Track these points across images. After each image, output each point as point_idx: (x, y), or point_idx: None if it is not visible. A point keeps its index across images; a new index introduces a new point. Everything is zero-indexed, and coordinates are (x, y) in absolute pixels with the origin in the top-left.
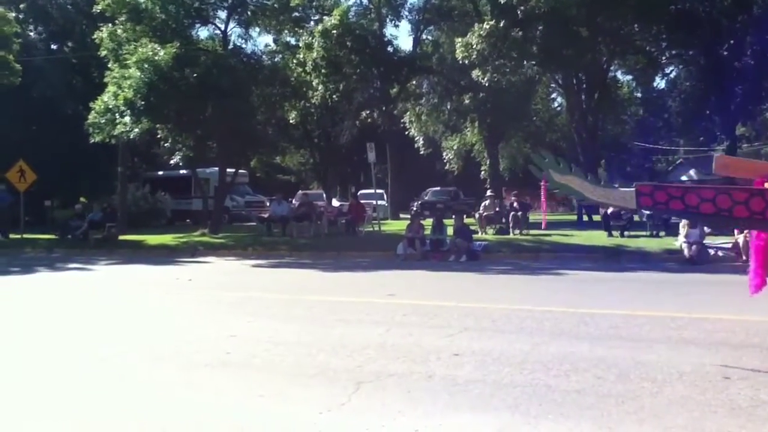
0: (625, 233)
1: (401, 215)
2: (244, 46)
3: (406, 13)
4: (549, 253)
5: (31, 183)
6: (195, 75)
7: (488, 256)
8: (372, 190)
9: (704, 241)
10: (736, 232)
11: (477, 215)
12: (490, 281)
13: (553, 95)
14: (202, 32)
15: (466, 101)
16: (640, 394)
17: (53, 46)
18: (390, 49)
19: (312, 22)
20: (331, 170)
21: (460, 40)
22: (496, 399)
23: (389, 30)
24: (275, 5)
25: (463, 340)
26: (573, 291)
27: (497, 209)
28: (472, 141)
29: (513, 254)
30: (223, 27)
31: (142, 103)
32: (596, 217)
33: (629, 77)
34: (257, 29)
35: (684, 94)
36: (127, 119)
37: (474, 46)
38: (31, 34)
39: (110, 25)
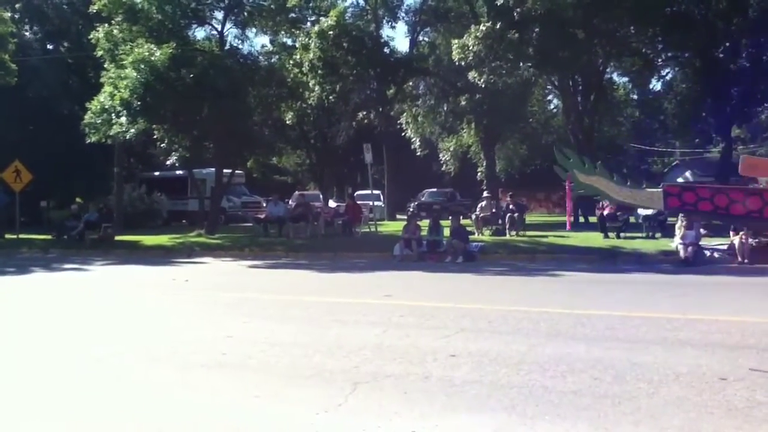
0: (621, 235)
1: (398, 216)
2: (240, 46)
3: (403, 14)
4: (545, 254)
5: (27, 183)
6: (191, 75)
7: (485, 257)
8: (369, 191)
9: (700, 243)
10: (731, 233)
11: (473, 216)
12: (487, 282)
13: (549, 97)
14: (199, 33)
15: (463, 103)
16: (637, 395)
17: (49, 46)
18: (387, 50)
19: (309, 23)
20: (328, 171)
21: (456, 41)
22: (492, 400)
23: (386, 31)
24: (272, 6)
25: (459, 341)
26: (569, 292)
27: (494, 210)
28: (468, 142)
29: (509, 255)
30: (219, 27)
31: (139, 103)
32: (592, 219)
33: (625, 79)
34: (254, 30)
35: (680, 96)
36: (123, 119)
37: (470, 48)
38: (27, 33)
39: (106, 25)
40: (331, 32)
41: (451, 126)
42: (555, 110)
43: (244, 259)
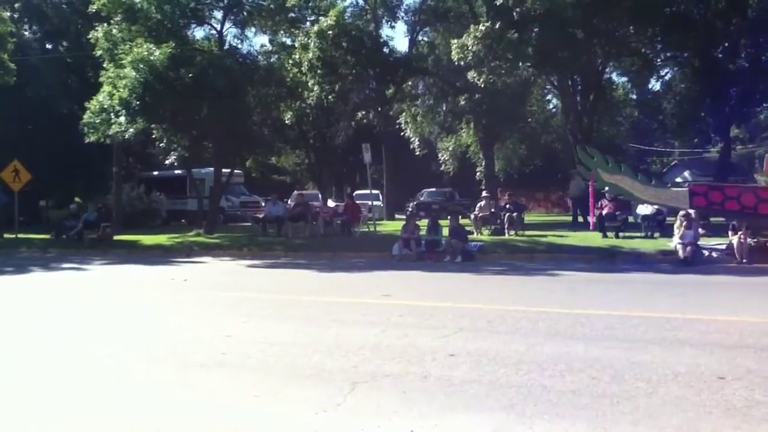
0: (620, 234)
1: (397, 216)
2: (239, 46)
3: (402, 14)
4: (544, 253)
5: (26, 183)
6: (190, 75)
7: (483, 257)
8: (367, 191)
9: (698, 243)
10: (730, 233)
11: (472, 216)
12: (486, 282)
13: (549, 97)
14: (198, 32)
15: (462, 102)
16: (635, 394)
17: (48, 46)
18: (386, 50)
19: (308, 23)
20: (327, 171)
21: (455, 41)
22: (491, 399)
23: (385, 31)
24: (271, 6)
25: (458, 341)
26: (568, 292)
27: (492, 210)
28: (467, 142)
29: (508, 255)
30: (218, 27)
31: (138, 103)
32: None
33: (624, 79)
34: (253, 30)
35: (679, 96)
36: (122, 119)
37: (470, 48)
38: (26, 33)
39: (105, 24)
40: (330, 32)
41: (450, 126)
42: (554, 110)
43: (243, 259)
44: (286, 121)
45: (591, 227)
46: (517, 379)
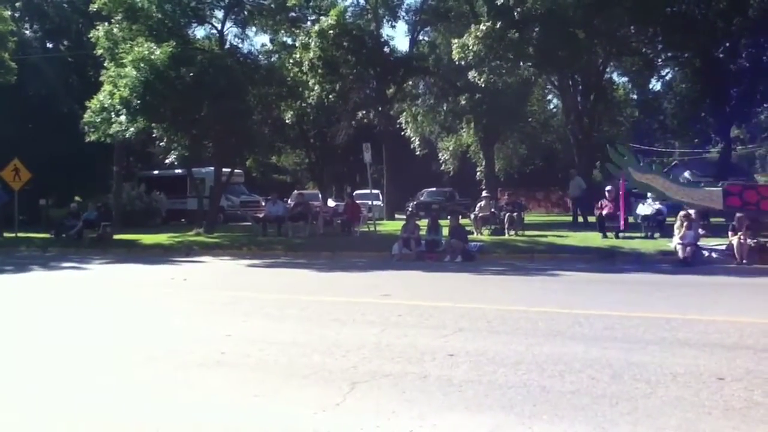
0: (620, 234)
1: (397, 216)
2: (240, 45)
3: (403, 13)
4: (544, 254)
5: (26, 181)
6: (191, 74)
7: (483, 257)
8: (368, 191)
9: (698, 243)
10: (730, 234)
11: (472, 216)
12: (486, 282)
13: (549, 96)
14: (199, 32)
15: (462, 102)
16: (634, 395)
17: (49, 45)
18: (386, 49)
19: (309, 22)
20: (327, 170)
21: (456, 41)
22: (490, 399)
23: (386, 30)
24: (272, 5)
25: (458, 341)
26: (568, 292)
27: (493, 210)
28: (467, 142)
29: (508, 255)
30: (219, 26)
31: (138, 102)
32: (591, 219)
33: (625, 79)
34: (254, 29)
35: (679, 96)
36: (122, 118)
37: (470, 47)
38: (27, 32)
39: (106, 23)
40: (331, 31)
41: (450, 125)
42: (555, 110)
43: (243, 258)
44: (287, 121)
45: (622, 227)
46: (516, 379)
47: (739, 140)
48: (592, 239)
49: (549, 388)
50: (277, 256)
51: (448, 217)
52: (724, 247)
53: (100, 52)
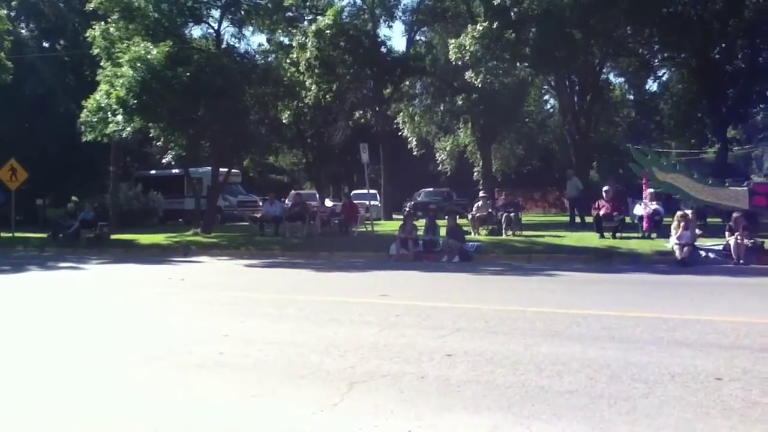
0: (617, 235)
1: (394, 216)
2: (237, 45)
3: (400, 13)
4: (541, 254)
5: (23, 181)
6: (188, 74)
7: (481, 257)
8: (365, 191)
9: (695, 243)
10: (727, 234)
11: (470, 216)
12: (483, 282)
13: (546, 97)
14: (196, 31)
15: (459, 102)
16: (632, 395)
17: (45, 44)
18: (383, 49)
19: (305, 22)
20: (324, 170)
21: (453, 41)
22: (488, 399)
23: (383, 31)
24: (269, 5)
25: (455, 341)
26: (565, 292)
27: (490, 210)
28: (465, 142)
29: (506, 255)
30: (216, 26)
31: (135, 101)
32: (588, 219)
33: (621, 79)
34: (250, 29)
35: (676, 97)
36: (119, 118)
37: (467, 48)
38: (23, 31)
39: (103, 23)
40: (328, 31)
41: (447, 126)
42: (551, 110)
43: (241, 258)
44: (284, 121)
45: (645, 227)
46: (514, 380)
47: (735, 141)
48: (589, 239)
49: (547, 388)
50: (275, 256)
51: (446, 217)
52: (721, 248)
53: (96, 51)
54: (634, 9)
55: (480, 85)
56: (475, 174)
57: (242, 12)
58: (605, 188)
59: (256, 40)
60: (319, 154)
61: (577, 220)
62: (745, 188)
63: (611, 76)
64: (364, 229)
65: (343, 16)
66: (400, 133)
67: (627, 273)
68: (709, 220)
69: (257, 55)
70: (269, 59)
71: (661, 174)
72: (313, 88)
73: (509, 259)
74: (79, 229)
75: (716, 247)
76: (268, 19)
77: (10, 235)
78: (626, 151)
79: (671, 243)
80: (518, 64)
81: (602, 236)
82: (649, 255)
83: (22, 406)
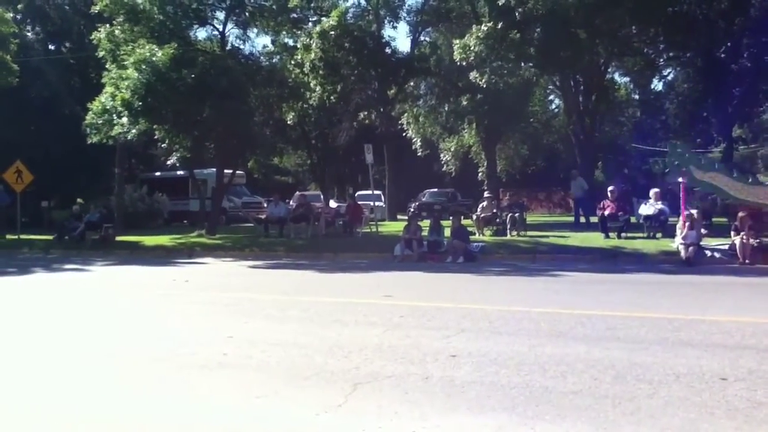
0: (622, 235)
1: (399, 216)
2: (242, 47)
3: (404, 14)
4: (546, 254)
5: (28, 183)
6: (193, 76)
7: (485, 258)
8: (369, 192)
9: (701, 243)
10: (732, 234)
11: (474, 216)
12: (488, 282)
13: (551, 97)
14: (200, 33)
15: (464, 103)
16: (637, 395)
17: (51, 47)
18: (388, 50)
19: (310, 24)
20: (329, 171)
21: (457, 41)
22: (493, 400)
23: (387, 31)
24: (273, 6)
25: (460, 342)
26: (570, 292)
27: (494, 210)
28: (469, 142)
29: (510, 255)
30: (221, 28)
31: (140, 103)
32: (593, 219)
33: (627, 79)
34: (255, 30)
35: (681, 96)
36: (124, 120)
37: (472, 48)
38: (29, 34)
39: (108, 25)
40: (332, 32)
41: (452, 126)
42: (556, 110)
43: (245, 260)
44: (288, 122)
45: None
46: (518, 380)
47: (741, 140)
48: (594, 239)
49: (551, 389)
50: (279, 257)
51: (450, 217)
52: (726, 247)
53: (101, 53)
54: (640, 8)
55: (485, 86)
56: (480, 174)
57: (247, 14)
58: (610, 188)
59: (260, 41)
60: (323, 155)
61: (582, 220)
62: None
63: (616, 76)
64: (369, 230)
65: (348, 17)
66: (404, 134)
67: (632, 273)
68: (714, 219)
69: (262, 57)
70: (274, 60)
71: (699, 173)
72: (317, 89)
73: (514, 259)
74: (84, 231)
75: (722, 247)
76: (273, 21)
77: (16, 237)
78: (632, 150)
79: (676, 243)
80: (523, 64)
81: (607, 236)
82: (654, 255)
83: (27, 407)
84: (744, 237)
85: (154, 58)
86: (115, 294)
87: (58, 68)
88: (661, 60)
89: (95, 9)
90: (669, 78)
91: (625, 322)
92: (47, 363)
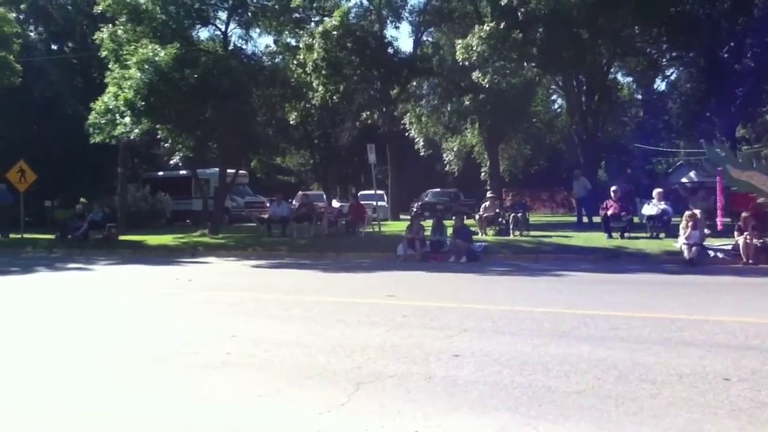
0: (625, 235)
1: (401, 216)
2: (244, 47)
3: (407, 14)
4: (549, 254)
5: (32, 183)
6: (195, 76)
7: (488, 257)
8: (372, 191)
9: (704, 243)
10: (736, 234)
11: (477, 216)
12: (490, 282)
13: (554, 97)
14: (203, 33)
15: (467, 103)
16: (640, 395)
17: (54, 47)
18: (390, 50)
19: (312, 23)
20: (331, 171)
21: (460, 41)
22: (495, 400)
23: (390, 31)
24: (276, 6)
25: (463, 341)
26: (573, 292)
27: (497, 210)
28: (472, 142)
29: (513, 255)
30: (223, 28)
31: (143, 103)
32: (596, 219)
33: (629, 79)
34: (258, 30)
35: (684, 96)
36: (127, 120)
37: (474, 48)
38: (32, 34)
39: (111, 25)
40: (334, 32)
41: (454, 126)
42: (559, 110)
43: (248, 259)
44: (291, 122)
45: (719, 227)
46: (521, 380)
47: (744, 140)
48: (597, 239)
49: (554, 389)
50: (282, 256)
51: (453, 217)
52: (729, 247)
53: (104, 53)
54: (642, 8)
55: (487, 86)
56: (483, 174)
57: (249, 14)
58: (613, 188)
59: (263, 41)
60: (326, 155)
61: (585, 220)
62: None
63: (619, 76)
64: (371, 230)
65: (350, 17)
66: (407, 134)
67: (635, 273)
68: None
69: (264, 57)
70: (276, 60)
71: (736, 171)
72: (320, 89)
73: (517, 259)
74: (87, 230)
75: (725, 247)
76: (275, 21)
77: (19, 236)
78: (634, 150)
79: (679, 243)
80: (525, 64)
81: (610, 236)
82: (657, 255)
83: (28, 406)
84: (747, 237)
85: (156, 58)
86: (118, 293)
87: (60, 68)
88: (664, 60)
89: (98, 9)
90: (672, 78)
91: (628, 322)
92: (50, 362)
